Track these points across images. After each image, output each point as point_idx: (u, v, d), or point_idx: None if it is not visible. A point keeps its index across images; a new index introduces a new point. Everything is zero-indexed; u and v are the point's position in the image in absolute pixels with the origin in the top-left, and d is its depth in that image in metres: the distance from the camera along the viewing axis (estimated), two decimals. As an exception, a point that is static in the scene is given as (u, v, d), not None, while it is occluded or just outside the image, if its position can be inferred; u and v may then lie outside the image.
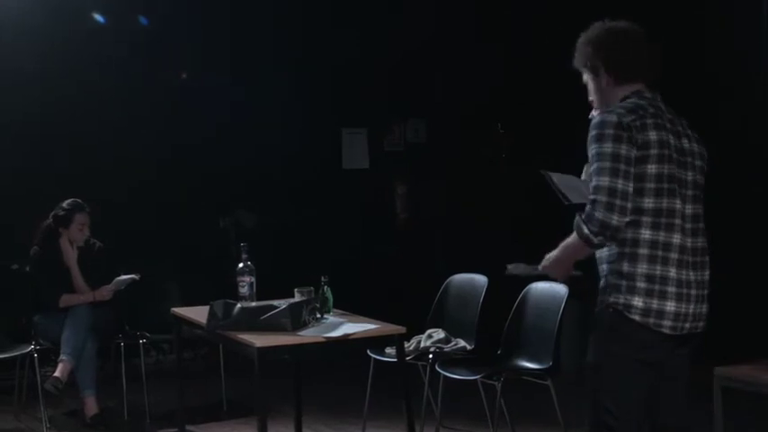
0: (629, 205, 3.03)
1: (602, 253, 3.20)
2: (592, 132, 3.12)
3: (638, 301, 3.09)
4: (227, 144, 8.24)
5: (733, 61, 7.50)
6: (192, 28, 8.13)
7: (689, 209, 3.18)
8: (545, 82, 7.45)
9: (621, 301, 3.11)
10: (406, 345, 5.26)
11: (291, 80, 8.47)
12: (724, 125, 7.33)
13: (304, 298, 4.84)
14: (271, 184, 8.47)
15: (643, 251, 3.09)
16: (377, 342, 5.01)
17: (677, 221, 3.12)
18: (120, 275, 6.29)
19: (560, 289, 5.01)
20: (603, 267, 3.22)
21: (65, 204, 6.30)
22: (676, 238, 3.12)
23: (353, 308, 5.10)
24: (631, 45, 3.30)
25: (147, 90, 7.98)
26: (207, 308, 4.70)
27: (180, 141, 8.07)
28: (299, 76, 8.51)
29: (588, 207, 3.04)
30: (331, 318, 4.89)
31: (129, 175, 7.83)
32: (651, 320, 3.08)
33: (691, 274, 3.15)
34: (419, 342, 5.47)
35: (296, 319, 4.52)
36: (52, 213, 6.31)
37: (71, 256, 6.31)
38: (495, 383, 4.90)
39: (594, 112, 3.34)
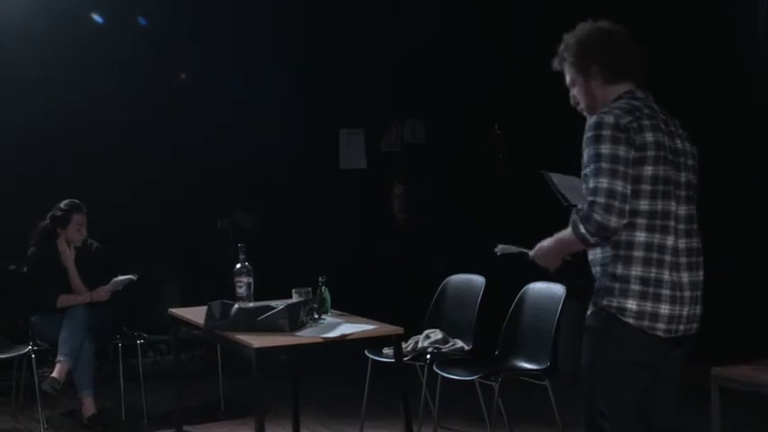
0: (628, 207, 3.01)
1: (595, 255, 3.18)
2: (588, 133, 3.09)
3: (631, 304, 3.07)
4: (225, 144, 8.24)
5: (733, 61, 7.50)
6: (193, 28, 8.13)
7: (682, 210, 3.16)
8: (544, 82, 7.45)
9: (615, 304, 3.09)
10: (404, 345, 5.26)
11: (289, 80, 8.46)
12: (724, 125, 7.34)
13: (302, 298, 4.84)
14: (268, 184, 8.46)
15: (638, 254, 3.08)
16: (374, 342, 5.01)
17: (671, 223, 3.11)
18: (117, 276, 6.28)
19: (558, 289, 5.01)
20: (597, 270, 3.20)
21: (62, 205, 6.29)
22: (670, 240, 3.10)
23: (351, 308, 5.10)
24: (620, 44, 3.27)
25: (148, 91, 7.98)
26: (204, 308, 4.69)
27: (179, 142, 8.08)
28: (296, 76, 8.50)
29: (586, 207, 3.01)
30: (329, 318, 4.88)
31: (126, 175, 7.84)
32: (645, 323, 3.07)
33: (684, 275, 3.13)
34: (417, 342, 5.47)
35: (293, 319, 4.52)
36: (49, 214, 6.31)
37: (68, 256, 6.30)
38: (493, 384, 4.90)
39: (584, 112, 3.32)
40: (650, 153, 3.06)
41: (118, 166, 7.81)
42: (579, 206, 3.11)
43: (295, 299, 4.87)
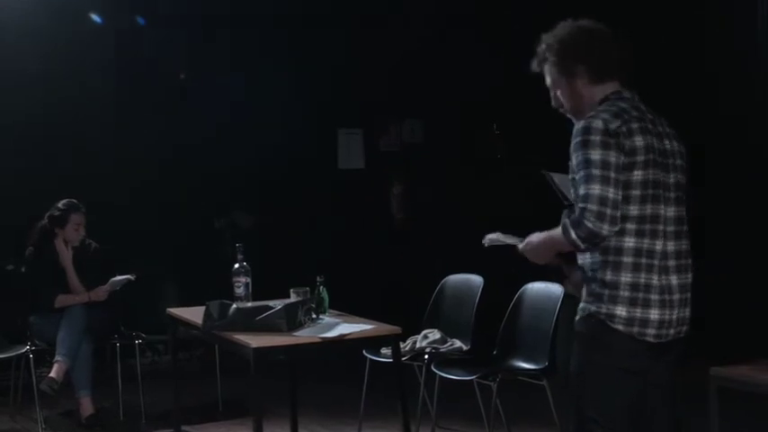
0: (619, 214, 2.96)
1: (584, 260, 3.13)
2: (577, 139, 3.02)
3: (620, 311, 3.03)
4: (223, 144, 8.24)
5: (733, 61, 7.50)
6: (192, 28, 8.13)
7: (671, 212, 3.10)
8: (543, 82, 7.44)
9: (604, 310, 3.04)
10: (402, 345, 5.26)
11: (288, 80, 8.46)
12: (724, 125, 7.34)
13: (300, 298, 4.83)
14: (266, 184, 8.46)
15: (627, 259, 3.03)
16: (373, 342, 5.00)
17: (660, 227, 3.06)
18: (115, 276, 6.28)
19: (556, 289, 5.00)
20: (587, 275, 3.14)
21: (60, 204, 6.29)
22: (659, 245, 3.05)
23: (349, 308, 5.09)
24: (604, 43, 3.19)
25: (147, 90, 7.98)
26: (203, 308, 4.69)
27: (177, 141, 8.08)
28: (295, 76, 8.50)
29: (577, 213, 2.96)
30: (327, 318, 4.88)
31: (125, 175, 7.84)
32: (635, 330, 3.03)
33: (673, 278, 3.08)
34: (415, 342, 5.47)
35: (292, 319, 4.51)
36: (47, 214, 6.30)
37: (66, 256, 6.30)
38: (491, 384, 4.90)
39: (568, 114, 3.26)
40: (640, 158, 3.01)
41: (116, 165, 7.81)
42: (567, 211, 3.07)
43: (293, 299, 4.86)
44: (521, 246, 3.26)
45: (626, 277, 3.03)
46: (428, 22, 8.84)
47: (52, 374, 5.86)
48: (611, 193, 2.94)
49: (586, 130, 3.00)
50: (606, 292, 3.05)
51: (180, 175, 8.10)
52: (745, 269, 7.10)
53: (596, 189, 2.93)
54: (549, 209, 3.48)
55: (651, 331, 3.04)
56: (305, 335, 4.48)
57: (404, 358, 5.17)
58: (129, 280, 6.28)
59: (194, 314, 4.98)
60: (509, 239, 3.34)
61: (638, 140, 3.02)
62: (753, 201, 7.27)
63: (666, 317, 3.06)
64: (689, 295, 3.15)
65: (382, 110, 9.10)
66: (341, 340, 4.46)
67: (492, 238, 3.42)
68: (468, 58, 8.96)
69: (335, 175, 8.99)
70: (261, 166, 8.34)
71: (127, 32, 7.98)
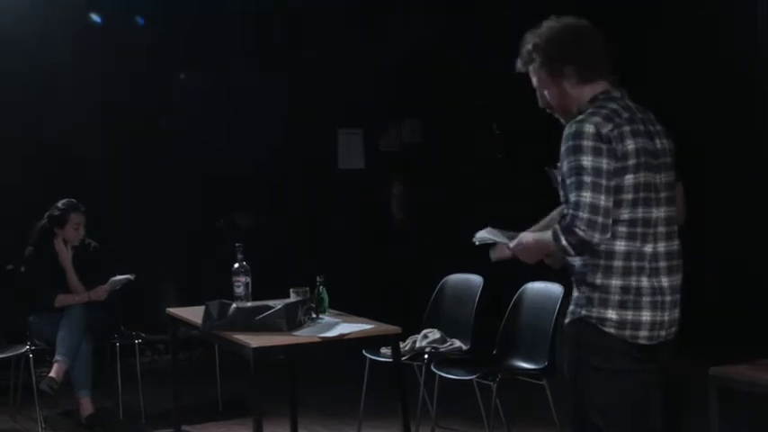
0: (611, 221, 2.92)
1: (574, 262, 3.10)
2: (568, 143, 2.97)
3: (611, 314, 3.00)
4: (223, 144, 8.23)
5: (733, 61, 7.50)
6: (191, 28, 8.12)
7: (662, 212, 3.06)
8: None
9: (595, 314, 3.02)
10: (402, 345, 5.26)
11: (288, 80, 8.46)
12: (724, 124, 7.35)
13: (299, 298, 4.83)
14: (266, 184, 8.45)
15: (618, 263, 3.00)
16: (372, 342, 5.02)
17: (651, 230, 3.03)
18: (115, 275, 6.28)
19: (556, 289, 5.00)
20: (576, 278, 3.11)
21: (60, 204, 6.29)
22: (649, 247, 3.02)
23: (349, 308, 5.10)
24: (592, 41, 3.14)
25: (146, 90, 7.97)
26: (202, 308, 4.69)
27: (177, 141, 8.07)
28: (295, 76, 8.50)
29: (568, 220, 2.92)
30: (326, 318, 4.88)
31: (124, 175, 7.83)
32: (627, 332, 3.01)
33: (664, 279, 3.05)
34: (414, 342, 5.47)
35: (291, 319, 4.51)
36: (47, 213, 6.30)
37: (66, 256, 6.30)
38: (491, 383, 4.90)
39: (556, 114, 3.22)
40: (631, 161, 2.97)
41: (116, 165, 7.80)
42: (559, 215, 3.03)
43: (293, 298, 4.86)
44: (511, 245, 3.21)
45: (616, 281, 3.00)
46: (428, 22, 8.84)
47: (52, 374, 5.86)
48: (602, 200, 2.90)
49: (578, 135, 2.96)
50: (596, 295, 3.02)
51: (180, 175, 8.09)
52: (744, 268, 7.10)
53: (588, 197, 2.89)
54: (549, 209, 3.48)
55: (643, 333, 3.02)
56: (305, 334, 4.48)
57: (403, 358, 5.17)
58: (128, 279, 6.28)
59: (194, 314, 4.98)
60: (499, 238, 3.30)
61: (630, 144, 2.98)
62: (753, 201, 7.26)
63: (658, 318, 3.04)
64: (679, 296, 3.12)
65: (382, 110, 9.10)
66: (341, 340, 4.46)
67: (482, 236, 3.37)
68: (468, 57, 8.96)
69: (335, 175, 8.99)
70: (261, 166, 8.33)
71: (126, 32, 7.98)
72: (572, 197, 2.93)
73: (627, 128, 3.00)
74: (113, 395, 6.40)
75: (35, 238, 6.32)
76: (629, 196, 2.98)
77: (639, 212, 3.01)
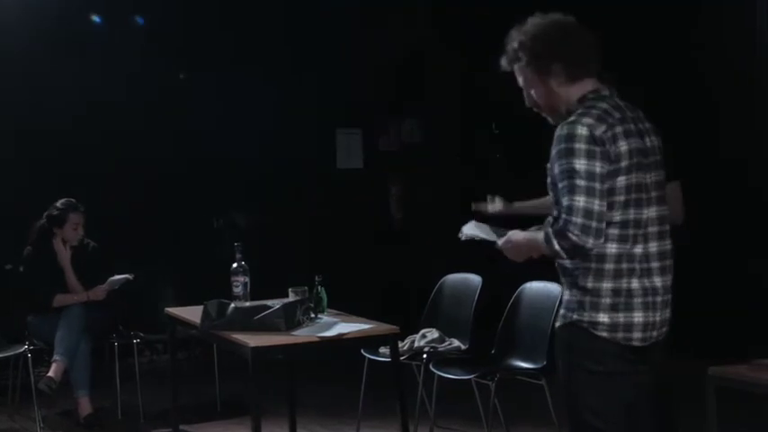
0: (605, 225, 2.88)
1: (565, 264, 3.05)
2: (560, 146, 2.91)
3: (603, 317, 2.97)
4: (222, 144, 8.23)
5: (732, 62, 7.49)
6: (190, 28, 8.13)
7: (653, 212, 3.02)
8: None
9: (586, 318, 2.99)
10: (401, 344, 5.26)
11: (287, 80, 8.46)
12: (723, 123, 7.34)
13: (298, 298, 4.83)
14: (265, 183, 8.46)
15: (609, 266, 2.96)
16: (371, 342, 5.01)
17: (641, 231, 2.99)
18: (114, 275, 6.28)
19: (554, 288, 5.00)
20: (567, 280, 3.07)
21: (59, 204, 6.29)
22: (639, 248, 2.98)
23: (347, 308, 5.10)
24: (579, 38, 3.06)
25: (145, 90, 7.97)
26: (201, 308, 4.69)
27: (176, 141, 8.07)
28: (294, 76, 8.50)
29: (561, 224, 2.87)
30: (325, 317, 4.88)
31: (123, 174, 7.83)
32: (620, 335, 2.98)
33: (657, 279, 3.02)
34: (413, 342, 5.46)
35: (290, 318, 4.51)
36: (46, 213, 6.31)
37: (65, 255, 6.30)
38: (490, 383, 4.90)
39: (543, 113, 3.17)
40: (624, 163, 2.92)
41: (115, 165, 7.80)
42: (551, 219, 2.99)
43: (291, 298, 4.86)
44: (500, 242, 3.17)
45: (607, 283, 2.96)
46: (427, 22, 8.84)
47: (50, 374, 5.86)
48: (596, 205, 2.85)
49: (570, 137, 2.90)
50: (588, 299, 2.99)
51: (178, 175, 8.09)
52: (742, 268, 7.10)
53: (581, 201, 2.84)
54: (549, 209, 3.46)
55: (637, 335, 2.99)
56: (303, 334, 4.48)
57: (402, 358, 5.17)
58: (127, 279, 6.28)
59: (193, 314, 4.98)
60: (487, 235, 3.26)
61: (623, 146, 2.93)
62: (752, 201, 7.26)
63: (650, 319, 3.01)
64: (670, 297, 3.09)
65: (381, 110, 9.10)
66: (339, 339, 4.46)
67: (468, 233, 3.34)
68: (467, 57, 8.96)
69: (334, 174, 8.99)
70: (260, 166, 8.34)
71: (126, 32, 7.98)
72: (564, 201, 2.87)
73: (619, 128, 2.95)
74: (112, 395, 6.40)
75: (34, 237, 6.32)
76: (621, 198, 2.94)
77: (631, 214, 2.96)
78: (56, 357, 5.94)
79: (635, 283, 2.98)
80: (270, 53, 8.46)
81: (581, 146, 2.88)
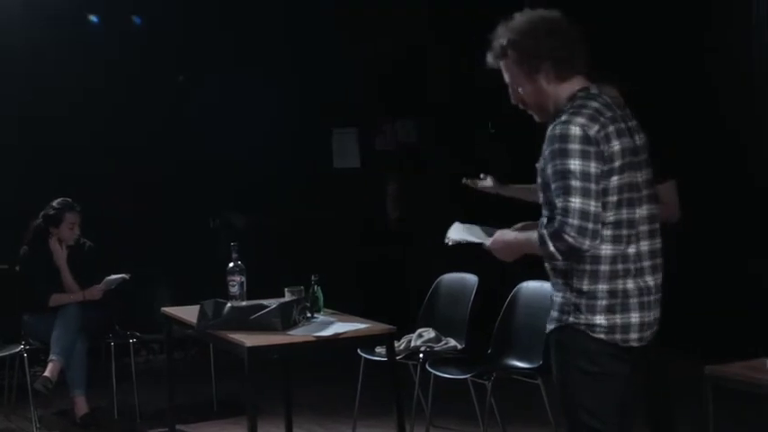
0: (600, 227, 2.85)
1: (557, 266, 3.02)
2: (554, 146, 2.87)
3: (600, 320, 2.94)
4: (218, 144, 8.23)
5: (732, 62, 7.49)
6: (188, 29, 8.12)
7: (645, 210, 2.99)
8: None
9: (583, 321, 2.95)
10: (397, 344, 5.25)
11: (283, 80, 8.46)
12: (723, 123, 7.34)
13: (294, 297, 4.84)
14: (261, 183, 8.45)
15: (604, 267, 2.93)
16: (367, 341, 5.01)
17: (634, 231, 2.96)
18: (110, 275, 6.27)
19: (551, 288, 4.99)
20: (560, 282, 3.04)
21: (55, 204, 6.29)
22: (633, 248, 2.96)
23: (344, 307, 5.10)
24: (569, 35, 3.00)
25: (144, 91, 7.98)
26: (197, 307, 4.69)
27: (173, 141, 8.07)
28: (290, 75, 8.49)
29: (556, 226, 2.83)
30: (321, 317, 4.88)
31: (120, 174, 7.83)
32: (618, 336, 2.95)
33: (649, 278, 3.00)
34: (409, 341, 5.46)
35: (286, 318, 4.51)
36: (42, 213, 6.30)
37: (61, 255, 6.29)
38: (486, 383, 4.90)
39: (530, 111, 3.13)
40: (617, 163, 2.89)
41: (112, 165, 7.80)
42: (544, 219, 2.96)
43: (287, 298, 4.86)
44: (488, 243, 3.15)
45: (603, 285, 2.94)
46: (423, 22, 8.84)
47: (46, 373, 5.86)
48: (592, 206, 2.82)
49: (563, 138, 2.86)
50: (583, 301, 2.96)
51: (174, 175, 8.09)
52: (741, 268, 7.09)
53: (577, 202, 2.81)
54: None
55: (634, 336, 2.98)
56: (299, 334, 4.48)
57: (398, 357, 5.17)
58: (123, 279, 6.28)
59: (189, 313, 4.98)
60: (475, 236, 3.23)
61: (616, 145, 2.90)
62: (752, 201, 7.25)
63: (646, 318, 3.00)
64: (660, 295, 3.07)
65: (377, 109, 9.10)
66: (335, 339, 4.46)
67: (455, 238, 3.29)
68: (464, 56, 8.95)
69: (331, 174, 8.99)
70: (256, 166, 8.33)
71: (123, 33, 7.98)
72: (559, 202, 2.84)
73: (611, 128, 2.91)
74: (108, 395, 6.39)
75: (30, 237, 6.32)
76: (614, 198, 2.91)
77: (624, 214, 2.93)
78: (52, 357, 5.93)
79: (630, 284, 2.96)
80: (267, 53, 8.46)
81: (575, 146, 2.85)
